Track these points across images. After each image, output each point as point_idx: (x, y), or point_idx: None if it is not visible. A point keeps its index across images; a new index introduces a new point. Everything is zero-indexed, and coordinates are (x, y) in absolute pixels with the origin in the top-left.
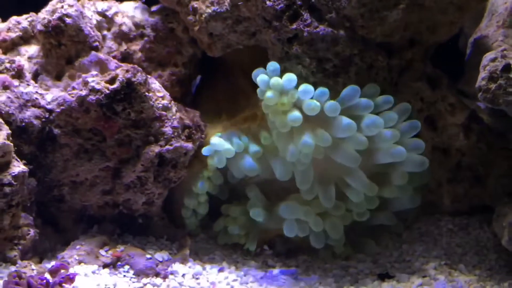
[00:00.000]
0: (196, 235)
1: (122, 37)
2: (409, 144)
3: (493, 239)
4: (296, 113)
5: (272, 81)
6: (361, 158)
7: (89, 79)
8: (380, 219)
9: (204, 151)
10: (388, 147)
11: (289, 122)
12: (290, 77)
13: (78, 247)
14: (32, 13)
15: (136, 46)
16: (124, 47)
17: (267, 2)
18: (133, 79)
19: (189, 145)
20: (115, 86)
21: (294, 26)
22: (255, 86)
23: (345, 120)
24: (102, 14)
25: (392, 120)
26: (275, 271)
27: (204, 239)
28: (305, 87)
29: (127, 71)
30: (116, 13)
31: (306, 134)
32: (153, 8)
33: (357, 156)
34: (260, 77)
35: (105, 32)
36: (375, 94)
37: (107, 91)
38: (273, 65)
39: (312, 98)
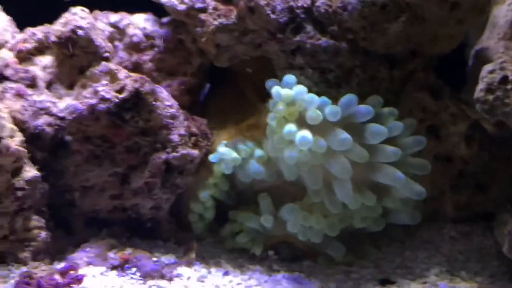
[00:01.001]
0: (203, 239)
1: (133, 47)
2: (414, 164)
3: (496, 246)
4: (291, 127)
5: (284, 92)
6: (351, 172)
7: (99, 88)
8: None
9: (212, 158)
10: (390, 170)
11: (284, 135)
12: (301, 89)
13: (87, 249)
14: (47, 24)
15: (146, 57)
16: (135, 57)
17: (271, 15)
18: (141, 89)
19: (196, 152)
20: (124, 95)
21: (298, 38)
22: (260, 95)
23: (342, 134)
24: (114, 25)
25: (397, 129)
26: (279, 275)
27: (211, 243)
28: (311, 96)
29: (135, 81)
30: (127, 25)
31: (305, 130)
32: (163, 20)
33: (349, 169)
34: (275, 89)
35: (117, 43)
36: (377, 105)
37: (116, 100)
38: (291, 78)
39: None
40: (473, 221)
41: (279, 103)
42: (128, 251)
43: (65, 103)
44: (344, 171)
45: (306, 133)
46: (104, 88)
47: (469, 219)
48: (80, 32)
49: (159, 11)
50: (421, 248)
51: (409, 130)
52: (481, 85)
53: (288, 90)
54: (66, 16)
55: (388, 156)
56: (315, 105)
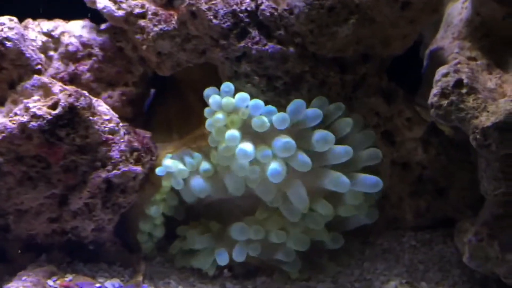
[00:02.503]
0: (152, 259)
1: (70, 57)
2: (365, 155)
3: (457, 254)
4: (234, 132)
5: (224, 100)
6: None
7: (31, 105)
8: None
9: (158, 171)
10: (334, 175)
11: (226, 141)
12: (243, 96)
13: (24, 278)
14: None
15: (84, 66)
16: (71, 67)
17: (214, 21)
18: (76, 103)
19: (138, 168)
20: (57, 111)
21: (242, 44)
22: (206, 104)
23: (282, 140)
24: (48, 34)
25: (347, 126)
26: None
27: (161, 262)
28: (255, 102)
29: (69, 95)
30: (62, 33)
31: (245, 143)
32: (101, 27)
33: (305, 199)
34: (212, 97)
35: (51, 53)
36: (324, 106)
37: (49, 117)
38: (228, 86)
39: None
40: (434, 228)
41: (218, 112)
42: (69, 277)
43: None
44: (300, 200)
45: (246, 146)
46: (36, 104)
47: (429, 226)
48: (8, 44)
49: (96, 18)
50: (381, 259)
51: (358, 127)
52: (435, 90)
53: (229, 98)
54: None
55: (339, 157)
56: (260, 111)
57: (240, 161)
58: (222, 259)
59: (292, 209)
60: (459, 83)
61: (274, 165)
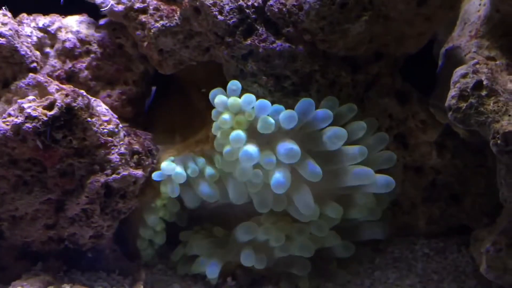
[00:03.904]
0: (153, 266)
1: (67, 54)
2: (379, 158)
3: (472, 264)
4: (239, 132)
5: (230, 100)
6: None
7: (25, 105)
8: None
9: (155, 176)
10: (357, 170)
11: (231, 142)
12: (249, 98)
13: (19, 287)
14: None
15: (82, 64)
16: (68, 65)
17: (219, 17)
18: (73, 104)
19: (139, 172)
20: (53, 112)
21: (249, 41)
22: (210, 104)
23: (286, 146)
24: (43, 30)
25: (361, 129)
26: None
27: (162, 270)
28: (262, 102)
29: (66, 95)
30: (59, 28)
31: (249, 145)
32: (100, 22)
33: (312, 206)
34: (218, 98)
35: (47, 50)
36: (334, 106)
37: (45, 118)
38: (235, 84)
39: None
40: (447, 236)
41: (225, 113)
42: (66, 287)
43: None
44: (306, 206)
45: (250, 148)
46: (31, 105)
47: (443, 233)
48: (1, 40)
49: (94, 12)
50: (392, 267)
51: (371, 130)
52: (453, 91)
53: (235, 98)
54: None
55: (353, 157)
56: (267, 112)
57: (244, 165)
58: (212, 272)
59: (300, 212)
60: (478, 85)
61: (278, 175)
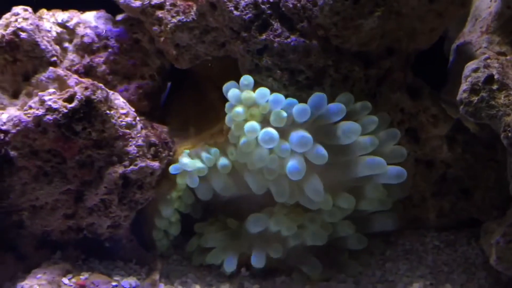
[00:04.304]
0: (168, 257)
1: (85, 49)
2: (389, 153)
3: (482, 256)
4: (253, 123)
5: (244, 94)
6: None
7: (46, 98)
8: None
9: (172, 169)
10: (369, 159)
11: (246, 132)
12: (263, 91)
13: (39, 275)
14: None
15: (99, 58)
16: (87, 59)
17: (235, 12)
18: (93, 97)
19: (156, 164)
20: (73, 104)
21: (264, 36)
22: (224, 98)
23: (298, 134)
24: (62, 25)
25: (372, 123)
26: None
27: (177, 260)
28: (276, 96)
29: (86, 88)
30: (77, 24)
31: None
32: (117, 17)
33: (321, 191)
34: (231, 91)
35: (66, 44)
36: (349, 102)
37: (65, 110)
38: (247, 79)
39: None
40: (457, 229)
41: (238, 106)
42: (85, 275)
43: (8, 114)
44: (316, 192)
45: (271, 130)
46: (52, 97)
47: (453, 226)
48: (22, 34)
49: (112, 8)
50: (403, 259)
51: (383, 126)
52: (464, 86)
53: (248, 92)
54: (6, 17)
55: (365, 147)
56: (281, 105)
57: (264, 146)
58: (229, 266)
59: (311, 201)
60: (490, 79)
61: (293, 162)
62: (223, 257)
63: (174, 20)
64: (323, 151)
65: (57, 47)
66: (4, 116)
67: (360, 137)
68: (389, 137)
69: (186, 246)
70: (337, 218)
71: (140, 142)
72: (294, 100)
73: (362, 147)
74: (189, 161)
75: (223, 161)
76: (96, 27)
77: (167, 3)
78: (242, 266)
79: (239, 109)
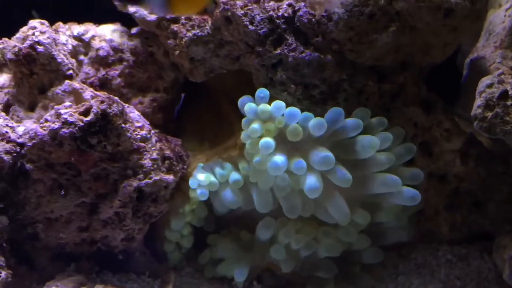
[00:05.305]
0: (181, 269)
1: (100, 62)
2: (406, 174)
3: (495, 270)
4: (268, 140)
5: (260, 107)
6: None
7: (62, 111)
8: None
9: (191, 184)
10: (384, 177)
11: (260, 149)
12: (279, 104)
13: (53, 287)
14: (4, 39)
15: (114, 71)
16: (102, 72)
17: (250, 27)
18: (109, 110)
19: (170, 177)
20: (89, 118)
21: (278, 51)
22: (239, 112)
23: (321, 154)
24: (78, 38)
25: (387, 140)
26: None
27: (190, 273)
28: (291, 110)
29: (102, 102)
30: (93, 37)
31: (277, 155)
32: (133, 31)
33: (347, 213)
34: (247, 105)
35: (82, 57)
36: (365, 118)
37: (81, 124)
38: (263, 92)
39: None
40: (470, 242)
41: (255, 122)
42: None
43: (24, 127)
44: (342, 215)
45: (278, 158)
46: (68, 111)
47: (466, 240)
48: (39, 48)
49: (127, 21)
50: (416, 273)
51: (398, 140)
52: (478, 101)
53: (264, 105)
54: (23, 31)
55: (381, 164)
56: (297, 119)
57: (272, 173)
58: (240, 276)
59: (330, 216)
60: (504, 95)
61: (311, 180)
62: (235, 268)
63: (189, 34)
64: (347, 175)
65: (73, 60)
66: (21, 129)
67: (377, 153)
68: (406, 151)
69: (199, 258)
70: (353, 237)
71: (154, 155)
72: (310, 114)
73: (378, 163)
74: (204, 177)
75: (234, 175)
76: (111, 40)
77: (182, 17)
78: (254, 279)
79: (256, 125)
